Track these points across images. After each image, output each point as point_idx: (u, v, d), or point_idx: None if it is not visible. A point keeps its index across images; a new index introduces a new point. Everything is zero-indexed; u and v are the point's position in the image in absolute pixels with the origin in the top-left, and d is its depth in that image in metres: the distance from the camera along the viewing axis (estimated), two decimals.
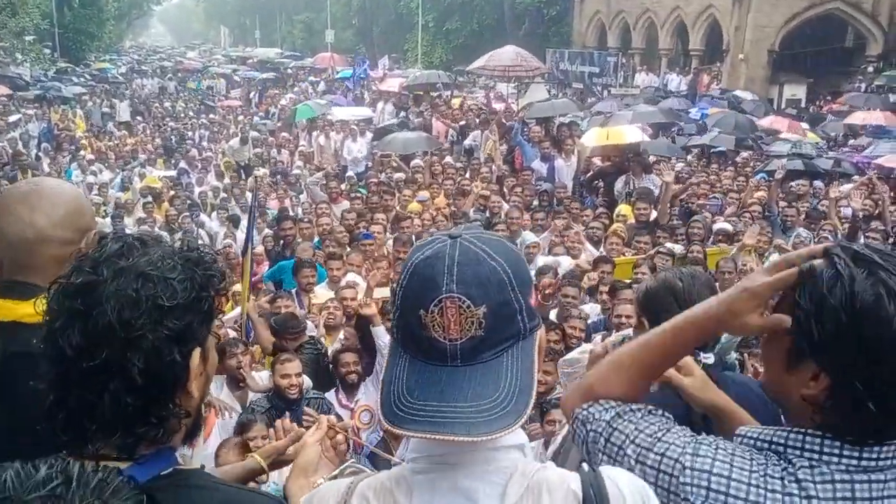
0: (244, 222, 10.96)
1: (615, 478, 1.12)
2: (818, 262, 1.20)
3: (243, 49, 58.79)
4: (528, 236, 8.24)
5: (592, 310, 6.16)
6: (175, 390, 1.13)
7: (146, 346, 1.08)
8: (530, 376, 1.11)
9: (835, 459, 1.18)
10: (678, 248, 7.46)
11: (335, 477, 1.55)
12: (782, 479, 1.19)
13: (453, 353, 1.07)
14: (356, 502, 1.15)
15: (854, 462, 1.17)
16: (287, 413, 4.62)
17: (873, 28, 27.45)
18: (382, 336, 5.24)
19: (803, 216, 9.26)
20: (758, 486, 1.18)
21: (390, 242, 8.23)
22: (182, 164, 16.47)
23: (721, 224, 8.69)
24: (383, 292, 6.67)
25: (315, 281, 6.80)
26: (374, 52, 48.44)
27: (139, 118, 25.66)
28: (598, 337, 4.61)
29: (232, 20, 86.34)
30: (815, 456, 1.19)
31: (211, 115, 26.01)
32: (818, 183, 12.39)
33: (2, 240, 1.55)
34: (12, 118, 19.63)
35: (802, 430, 1.22)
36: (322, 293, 6.68)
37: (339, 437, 1.64)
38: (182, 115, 27.16)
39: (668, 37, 33.11)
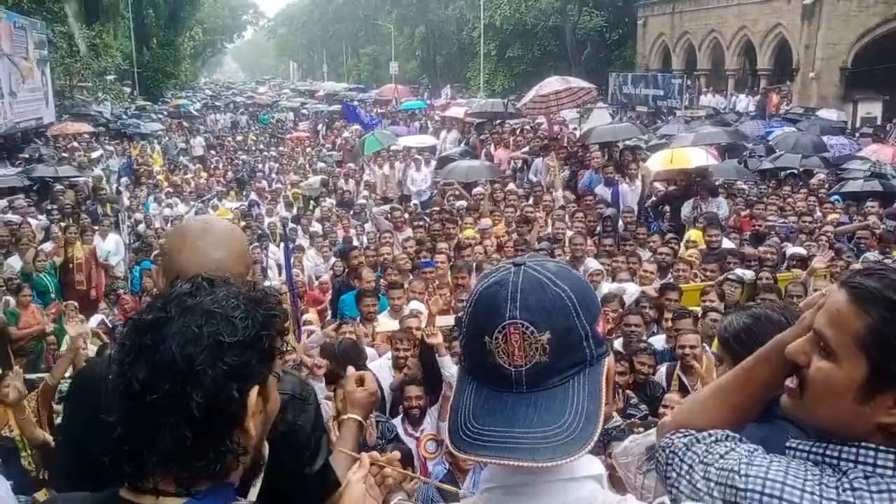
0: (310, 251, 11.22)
1: None
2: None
3: (311, 83, 60.44)
4: (592, 263, 8.13)
5: (658, 340, 6.03)
6: (233, 427, 1.16)
7: (206, 381, 1.11)
8: (597, 404, 1.10)
9: (889, 472, 1.18)
10: (748, 274, 7.23)
11: None
12: (837, 487, 1.19)
13: (518, 380, 1.08)
14: None
15: None
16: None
17: None
18: (448, 367, 5.23)
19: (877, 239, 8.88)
20: (812, 493, 1.19)
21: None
22: (252, 196, 16.98)
23: (794, 248, 8.40)
24: (446, 320, 6.70)
25: (377, 310, 6.87)
26: (436, 82, 49.20)
27: (212, 152, 26.63)
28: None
29: (301, 55, 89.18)
30: (869, 468, 1.19)
31: (280, 148, 26.78)
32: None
33: (185, 273, 1.53)
34: (95, 154, 20.59)
35: (856, 443, 1.22)
36: (384, 322, 6.75)
37: (387, 470, 1.61)
38: (253, 148, 28.04)
39: (734, 57, 32.49)
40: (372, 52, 63.43)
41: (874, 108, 25.70)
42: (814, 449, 1.26)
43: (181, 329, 1.13)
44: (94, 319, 8.37)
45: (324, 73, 71.44)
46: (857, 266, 7.33)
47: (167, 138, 26.83)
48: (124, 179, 19.40)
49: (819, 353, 1.26)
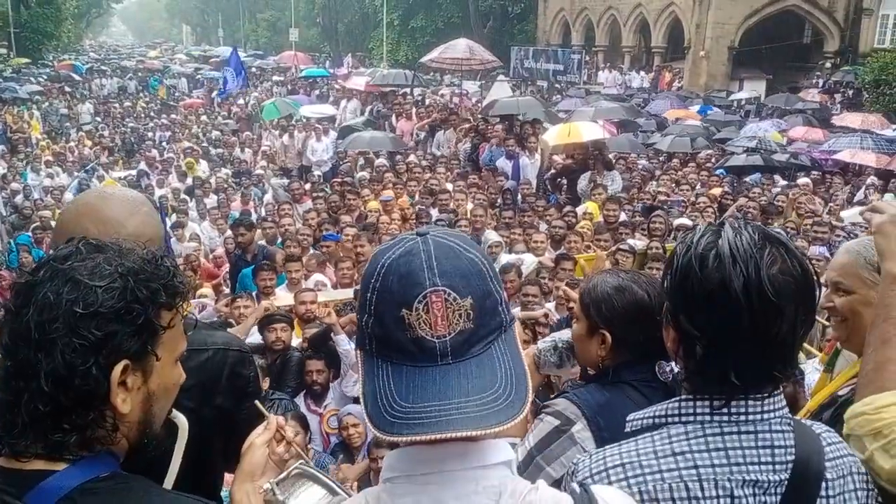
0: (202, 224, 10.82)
1: (610, 498, 1.13)
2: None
3: (206, 48, 57.96)
4: (491, 235, 8.24)
5: (550, 308, 6.16)
6: (92, 402, 1.10)
7: (56, 353, 1.06)
8: (522, 364, 1.08)
9: (706, 418, 1.28)
10: (639, 245, 7.51)
11: (282, 480, 1.51)
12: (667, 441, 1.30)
13: (443, 351, 1.03)
14: None
15: (724, 417, 1.27)
16: None
17: (830, 24, 28.03)
18: (343, 343, 5.19)
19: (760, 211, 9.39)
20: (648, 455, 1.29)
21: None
22: (142, 166, 16.20)
23: (681, 220, 8.78)
24: (346, 294, 6.62)
25: (274, 284, 6.72)
26: (338, 51, 48.26)
27: (98, 119, 25.18)
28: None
29: (195, 18, 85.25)
30: (691, 418, 1.29)
31: (172, 116, 25.62)
32: (778, 178, 12.63)
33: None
34: None
35: (678, 398, 1.32)
36: (282, 296, 6.60)
37: (280, 447, 1.55)
38: (142, 115, 26.70)
39: (630, 34, 33.44)
40: (271, 18, 61.39)
41: (759, 87, 27.13)
42: (646, 416, 1.35)
43: (43, 296, 1.08)
44: None
45: (220, 39, 68.61)
46: None
47: (47, 103, 25.13)
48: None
49: None
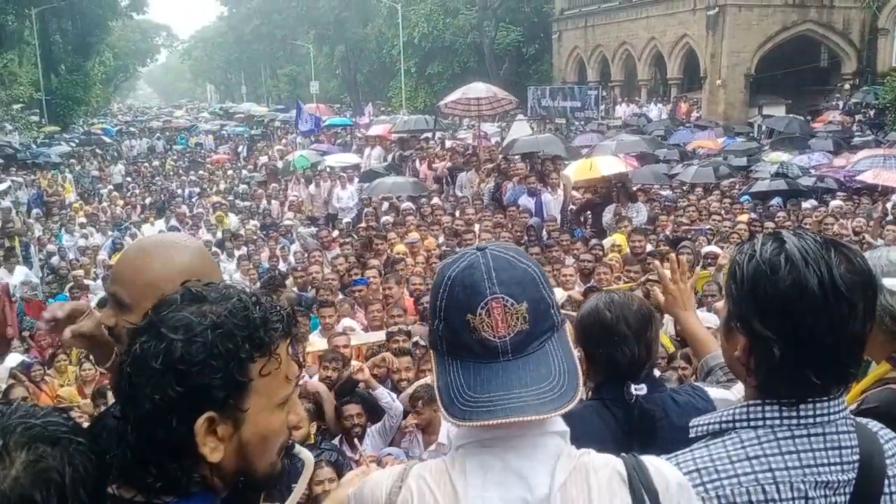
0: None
1: (658, 466, 1.24)
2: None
3: (229, 105, 59.43)
4: None
5: None
6: (178, 451, 1.12)
7: (140, 405, 1.10)
8: (574, 361, 1.23)
9: (776, 422, 1.32)
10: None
11: None
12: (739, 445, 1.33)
13: (504, 349, 1.19)
14: (413, 482, 1.23)
15: (794, 421, 1.31)
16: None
17: (846, 46, 28.04)
18: (383, 397, 5.17)
19: None
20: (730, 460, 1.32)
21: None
22: (173, 222, 16.54)
23: (709, 247, 8.74)
24: (378, 336, 6.67)
25: (308, 330, 6.79)
26: (358, 100, 49.14)
27: (128, 179, 25.81)
28: None
29: (218, 77, 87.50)
30: (760, 422, 1.33)
31: (200, 172, 26.20)
32: (808, 203, 12.49)
33: (158, 288, 1.38)
34: (2, 186, 19.73)
35: (746, 403, 1.36)
36: (315, 341, 6.67)
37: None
38: (171, 173, 27.33)
39: (646, 67, 33.68)
40: (291, 73, 62.81)
41: (778, 112, 27.06)
42: (713, 421, 1.39)
43: (135, 348, 1.12)
44: (12, 359, 7.91)
45: (242, 95, 70.39)
46: None
47: (80, 166, 25.86)
48: (35, 211, 18.61)
49: None
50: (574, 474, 1.18)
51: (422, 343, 6.52)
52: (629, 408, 1.93)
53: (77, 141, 33.74)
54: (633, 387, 1.93)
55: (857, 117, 23.71)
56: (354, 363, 5.56)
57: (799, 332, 1.26)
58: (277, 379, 1.18)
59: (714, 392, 2.20)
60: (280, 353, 1.17)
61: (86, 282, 11.33)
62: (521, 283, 1.20)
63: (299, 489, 1.38)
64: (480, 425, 1.16)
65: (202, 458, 1.12)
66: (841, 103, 25.89)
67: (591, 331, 2.01)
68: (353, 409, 5.15)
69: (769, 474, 1.28)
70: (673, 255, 2.49)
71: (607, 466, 1.21)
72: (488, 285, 1.19)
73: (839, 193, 12.99)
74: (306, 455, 1.37)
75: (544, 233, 10.75)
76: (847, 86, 27.29)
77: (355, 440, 5.10)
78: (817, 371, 1.28)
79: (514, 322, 1.18)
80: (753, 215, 11.09)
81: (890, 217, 11.09)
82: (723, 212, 11.50)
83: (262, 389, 1.15)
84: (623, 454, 1.25)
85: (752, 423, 1.33)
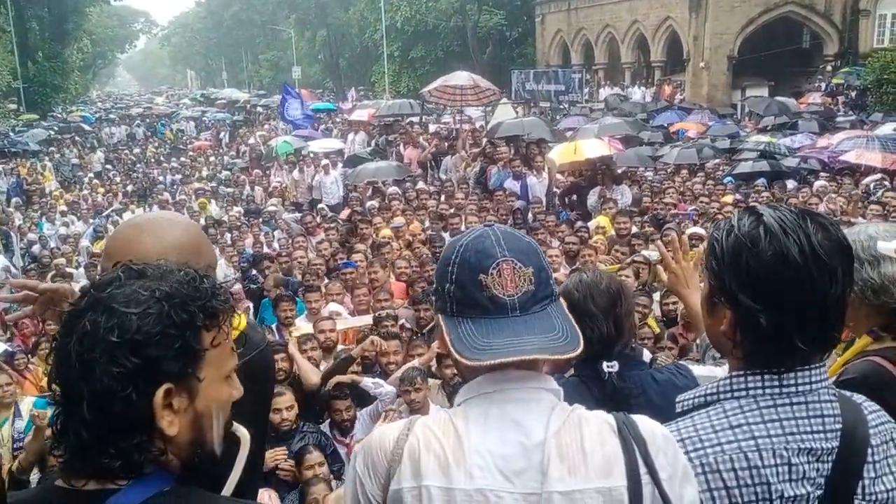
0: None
1: (645, 420, 1.32)
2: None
3: (211, 91, 58.80)
4: None
5: None
6: (137, 426, 1.11)
7: (96, 380, 1.09)
8: (572, 322, 1.34)
9: (759, 391, 1.36)
10: (654, 255, 7.50)
11: None
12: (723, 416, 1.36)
13: (512, 306, 1.30)
14: (419, 430, 1.31)
15: (776, 390, 1.35)
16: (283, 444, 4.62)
17: (828, 27, 28.14)
18: (372, 388, 5.22)
19: None
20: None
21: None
22: (155, 209, 16.38)
23: (694, 229, 8.77)
24: (365, 320, 6.65)
25: (294, 314, 6.76)
26: (341, 85, 48.83)
27: (109, 166, 25.52)
28: None
29: (198, 63, 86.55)
30: (743, 393, 1.37)
31: (182, 158, 25.95)
32: (791, 184, 12.58)
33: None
34: None
35: (729, 375, 1.39)
36: (302, 326, 6.64)
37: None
38: (152, 160, 27.05)
39: (629, 50, 33.68)
40: (272, 58, 62.20)
41: (762, 93, 27.16)
42: (698, 395, 1.43)
43: (82, 325, 1.11)
44: None
45: (224, 81, 69.61)
46: None
47: (59, 155, 25.52)
48: (15, 199, 18.37)
49: None
50: (567, 423, 1.28)
51: (407, 326, 6.55)
52: (604, 385, 2.00)
53: (56, 129, 33.29)
54: (605, 364, 2.01)
55: (840, 98, 23.84)
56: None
57: (784, 300, 1.30)
58: (225, 350, 1.22)
59: (699, 370, 2.29)
60: (225, 326, 1.21)
61: (68, 270, 11.20)
62: (526, 251, 1.34)
63: (238, 467, 1.38)
64: (496, 363, 1.25)
65: (159, 433, 1.13)
66: (823, 85, 26.02)
67: None
68: (342, 403, 5.17)
69: (752, 442, 1.32)
70: (674, 234, 2.51)
71: (598, 418, 1.30)
72: (499, 250, 1.32)
73: (822, 174, 13.06)
74: (243, 432, 1.37)
75: (530, 216, 10.76)
76: (829, 67, 27.42)
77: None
78: (803, 337, 1.31)
79: (521, 282, 1.31)
80: (738, 196, 11.15)
81: (871, 196, 11.18)
82: (707, 193, 11.55)
83: (214, 360, 1.19)
84: (613, 412, 1.32)
85: (736, 394, 1.36)
